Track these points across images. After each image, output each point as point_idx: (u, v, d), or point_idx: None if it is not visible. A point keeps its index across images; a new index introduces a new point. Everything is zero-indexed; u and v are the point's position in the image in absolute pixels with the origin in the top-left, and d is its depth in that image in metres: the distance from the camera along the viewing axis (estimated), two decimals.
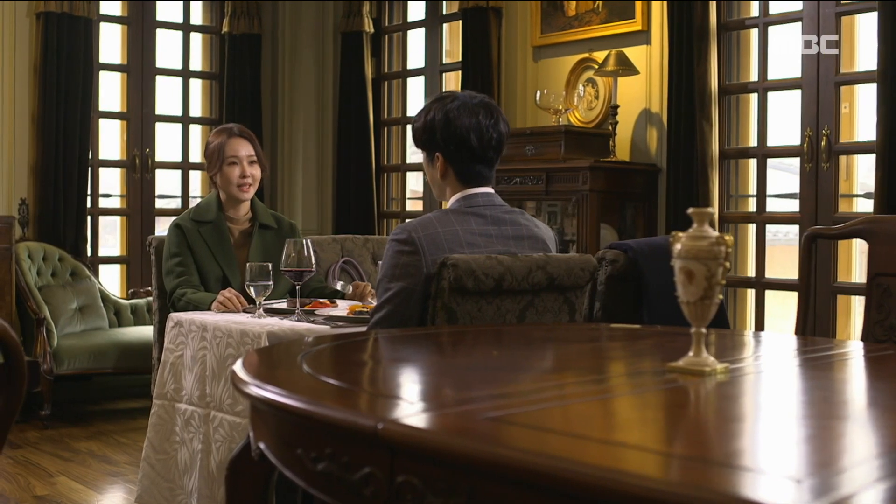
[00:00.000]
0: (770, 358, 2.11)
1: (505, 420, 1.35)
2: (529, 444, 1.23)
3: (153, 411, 3.49)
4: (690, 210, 1.74)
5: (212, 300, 3.66)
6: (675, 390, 1.60)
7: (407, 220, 2.75)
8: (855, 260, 4.71)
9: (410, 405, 1.42)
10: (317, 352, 1.88)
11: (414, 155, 7.11)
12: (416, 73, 6.92)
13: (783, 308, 5.19)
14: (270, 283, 3.38)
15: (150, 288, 6.67)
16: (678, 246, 1.74)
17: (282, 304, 3.61)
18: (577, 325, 2.62)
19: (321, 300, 3.65)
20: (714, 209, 4.93)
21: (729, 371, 1.74)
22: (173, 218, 7.02)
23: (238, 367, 1.73)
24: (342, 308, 3.51)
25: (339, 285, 4.18)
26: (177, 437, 3.42)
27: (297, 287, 3.38)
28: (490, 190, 2.89)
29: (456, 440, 1.22)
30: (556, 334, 2.35)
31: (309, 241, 3.42)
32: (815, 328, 4.65)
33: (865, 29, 4.67)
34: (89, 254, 6.46)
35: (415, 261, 2.72)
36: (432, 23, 6.74)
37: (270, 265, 3.40)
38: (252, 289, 3.36)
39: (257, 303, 3.38)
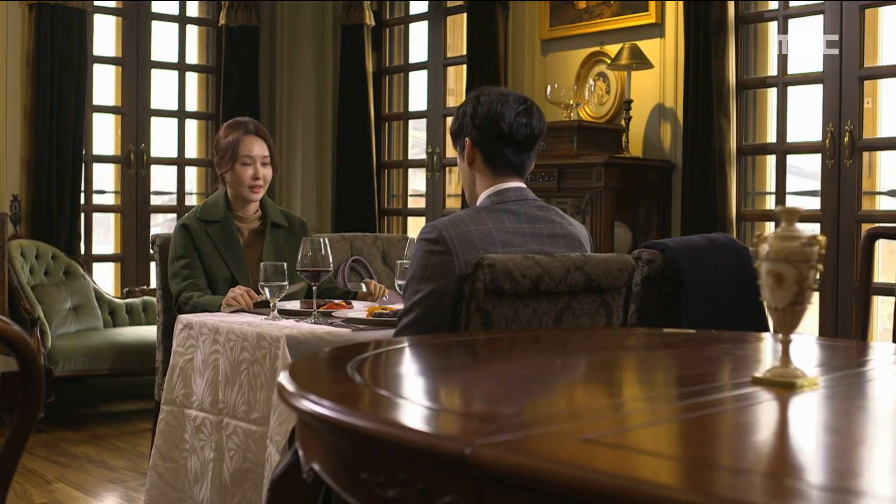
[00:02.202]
0: (869, 365, 1.97)
1: (602, 443, 1.21)
2: (642, 471, 1.09)
3: (161, 417, 3.34)
4: (779, 208, 1.60)
5: (220, 304, 3.51)
6: (773, 406, 1.46)
7: (437, 219, 2.60)
8: (878, 259, 4.58)
9: (495, 425, 1.27)
10: (365, 361, 1.73)
11: (416, 151, 6.96)
12: (418, 67, 6.77)
13: None
14: (286, 283, 3.23)
15: (145, 287, 6.56)
16: (764, 247, 1.60)
17: (294, 306, 3.46)
18: (630, 330, 2.48)
19: (336, 301, 3.50)
20: (732, 207, 4.80)
21: (819, 382, 1.60)
22: (168, 215, 6.92)
23: (284, 378, 1.58)
24: (359, 309, 3.36)
25: (352, 286, 4.03)
26: (186, 444, 3.26)
27: (314, 288, 3.23)
28: (521, 184, 2.74)
29: (565, 469, 1.07)
30: (611, 340, 2.21)
31: (325, 239, 3.27)
32: (837, 329, 4.53)
33: (889, 22, 4.55)
34: (83, 252, 6.29)
35: (446, 261, 2.57)
36: (435, 15, 6.59)
37: (285, 265, 3.25)
38: (267, 289, 3.21)
39: (272, 304, 3.23)
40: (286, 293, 3.28)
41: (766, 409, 1.44)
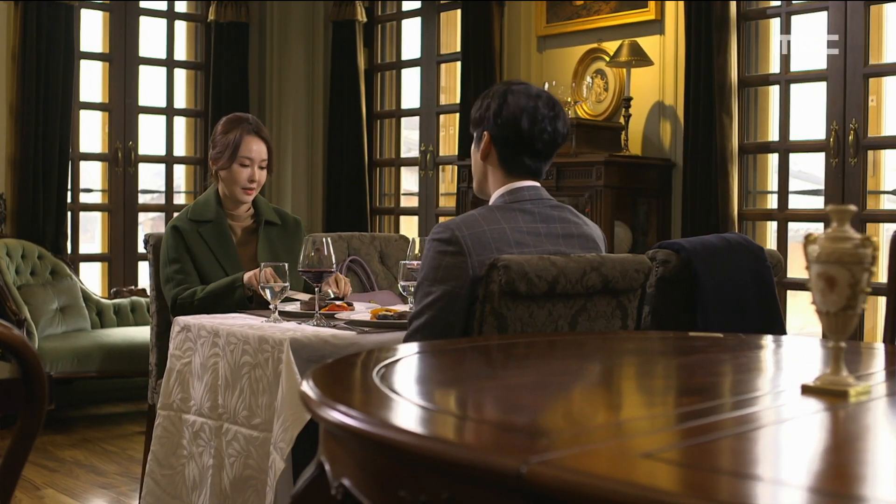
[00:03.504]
0: None
1: (664, 459, 1.13)
2: (721, 493, 1.01)
3: (157, 423, 3.23)
4: (830, 207, 1.52)
5: (229, 282, 3.40)
6: (829, 416, 1.38)
7: (449, 218, 2.50)
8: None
9: (547, 441, 1.19)
10: (390, 367, 1.64)
11: (408, 150, 6.86)
12: (411, 64, 6.68)
13: (806, 308, 5.00)
14: (287, 284, 3.13)
15: (133, 287, 6.44)
16: (815, 249, 1.52)
17: (293, 307, 3.36)
18: (653, 334, 2.40)
19: (337, 303, 3.40)
20: (734, 206, 4.73)
21: (870, 391, 1.52)
22: (156, 214, 6.80)
23: (308, 387, 1.49)
24: (362, 311, 3.27)
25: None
26: (184, 450, 3.16)
27: (317, 289, 3.13)
28: (536, 183, 2.66)
29: (631, 489, 0.99)
30: (638, 345, 2.12)
31: (328, 238, 3.17)
32: None
33: (895, 18, 4.49)
34: (69, 251, 6.16)
35: (459, 262, 2.48)
36: (428, 12, 6.49)
37: (287, 265, 3.15)
38: (268, 291, 3.11)
39: (272, 306, 3.13)
40: (288, 295, 3.19)
41: (827, 420, 1.36)
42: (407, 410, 1.37)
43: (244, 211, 3.78)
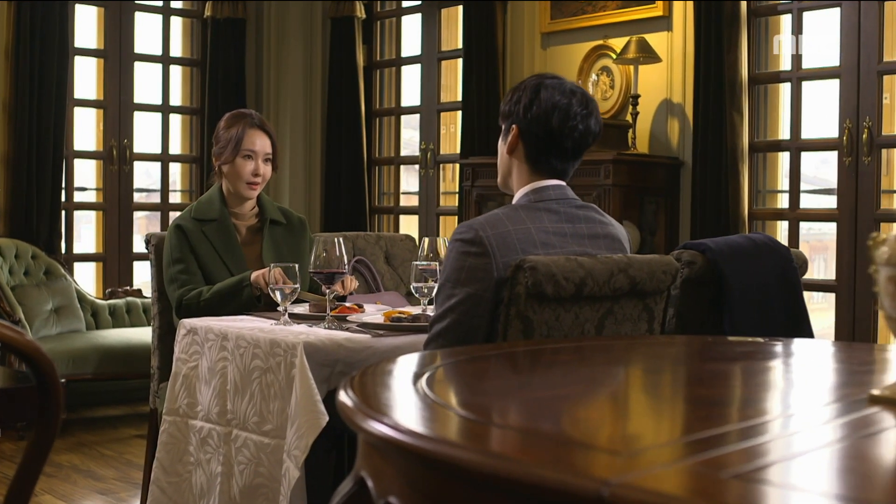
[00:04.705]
0: None
1: (759, 480, 1.04)
2: None
3: (163, 429, 3.14)
4: None
5: (237, 281, 3.31)
6: None
7: (473, 218, 2.39)
8: None
9: (622, 459, 1.10)
10: (433, 375, 1.55)
11: (408, 147, 6.77)
12: (411, 61, 6.58)
13: (814, 308, 4.93)
14: (298, 286, 3.04)
15: (128, 287, 6.32)
16: (884, 251, 1.43)
17: (301, 308, 3.26)
18: (698, 339, 2.31)
19: (347, 304, 3.30)
20: (745, 205, 4.66)
21: None
22: (151, 213, 6.69)
23: (346, 397, 1.39)
24: (374, 313, 3.18)
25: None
26: (191, 457, 3.06)
27: (328, 291, 3.04)
28: (562, 182, 2.57)
29: None
30: (680, 350, 2.04)
31: (340, 238, 3.08)
32: (855, 332, 4.39)
33: None
34: (64, 251, 6.05)
35: (483, 263, 2.39)
36: (429, 8, 6.40)
37: (297, 266, 3.06)
38: (278, 293, 3.01)
39: (282, 308, 3.03)
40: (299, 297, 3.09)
41: None
42: (461, 424, 1.28)
43: (249, 209, 3.68)
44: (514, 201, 2.57)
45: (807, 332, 2.82)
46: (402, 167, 6.70)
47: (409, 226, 6.61)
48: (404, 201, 6.69)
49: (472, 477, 1.12)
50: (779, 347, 2.01)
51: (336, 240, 3.04)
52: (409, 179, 6.74)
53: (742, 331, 2.68)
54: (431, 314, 3.07)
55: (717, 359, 1.90)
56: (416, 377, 1.50)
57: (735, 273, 2.73)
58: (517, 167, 2.57)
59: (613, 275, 2.45)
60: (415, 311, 3.14)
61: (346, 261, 3.04)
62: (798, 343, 2.12)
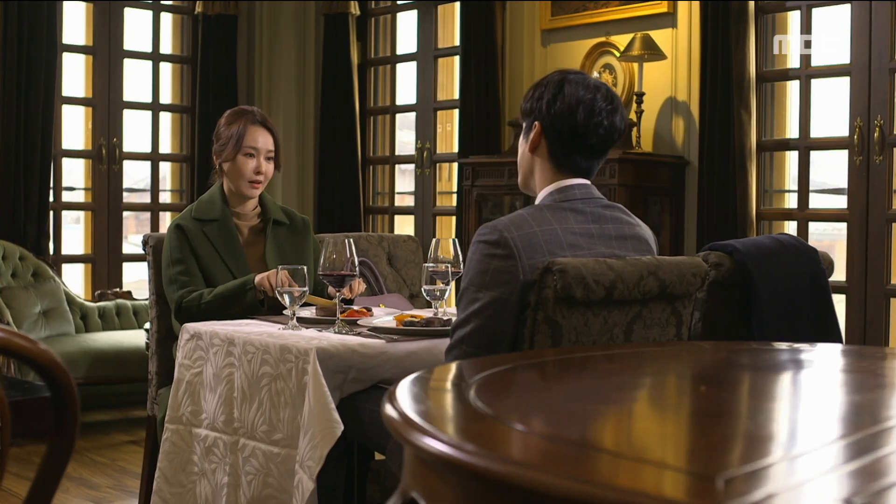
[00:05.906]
0: None
1: None
2: None
3: (165, 437, 3.01)
4: None
5: (240, 284, 3.19)
6: None
7: (497, 219, 2.29)
8: None
9: (716, 485, 0.99)
10: (483, 386, 1.44)
11: (403, 146, 6.66)
12: (406, 58, 6.46)
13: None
14: (306, 288, 2.92)
15: (118, 289, 6.19)
16: None
17: (308, 312, 3.15)
18: (744, 346, 2.21)
19: (356, 308, 3.19)
20: (752, 205, 4.57)
21: None
22: (141, 213, 6.56)
23: (392, 410, 1.29)
24: (384, 316, 3.07)
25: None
26: (195, 467, 2.94)
27: (338, 294, 2.92)
28: (587, 181, 2.47)
29: None
30: (724, 357, 1.94)
31: (350, 239, 2.97)
32: (866, 334, 4.31)
33: None
34: (52, 252, 5.91)
35: (509, 266, 2.28)
36: (425, 4, 6.28)
37: (305, 268, 2.94)
38: (286, 296, 2.90)
39: (290, 312, 2.92)
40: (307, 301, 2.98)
41: None
42: (526, 441, 1.17)
43: (251, 209, 3.57)
44: (537, 201, 2.47)
45: (836, 336, 2.73)
46: (397, 166, 6.59)
47: (403, 226, 6.51)
48: (399, 201, 6.58)
49: (541, 500, 1.02)
50: (824, 353, 1.91)
51: (346, 241, 2.93)
52: (404, 179, 6.63)
53: (770, 335, 2.59)
54: (444, 318, 2.98)
55: (769, 367, 1.80)
56: (466, 388, 1.39)
57: (763, 275, 2.63)
58: (540, 166, 2.46)
59: (643, 277, 2.35)
60: (426, 314, 3.03)
61: (356, 263, 2.93)
62: (843, 349, 2.02)
